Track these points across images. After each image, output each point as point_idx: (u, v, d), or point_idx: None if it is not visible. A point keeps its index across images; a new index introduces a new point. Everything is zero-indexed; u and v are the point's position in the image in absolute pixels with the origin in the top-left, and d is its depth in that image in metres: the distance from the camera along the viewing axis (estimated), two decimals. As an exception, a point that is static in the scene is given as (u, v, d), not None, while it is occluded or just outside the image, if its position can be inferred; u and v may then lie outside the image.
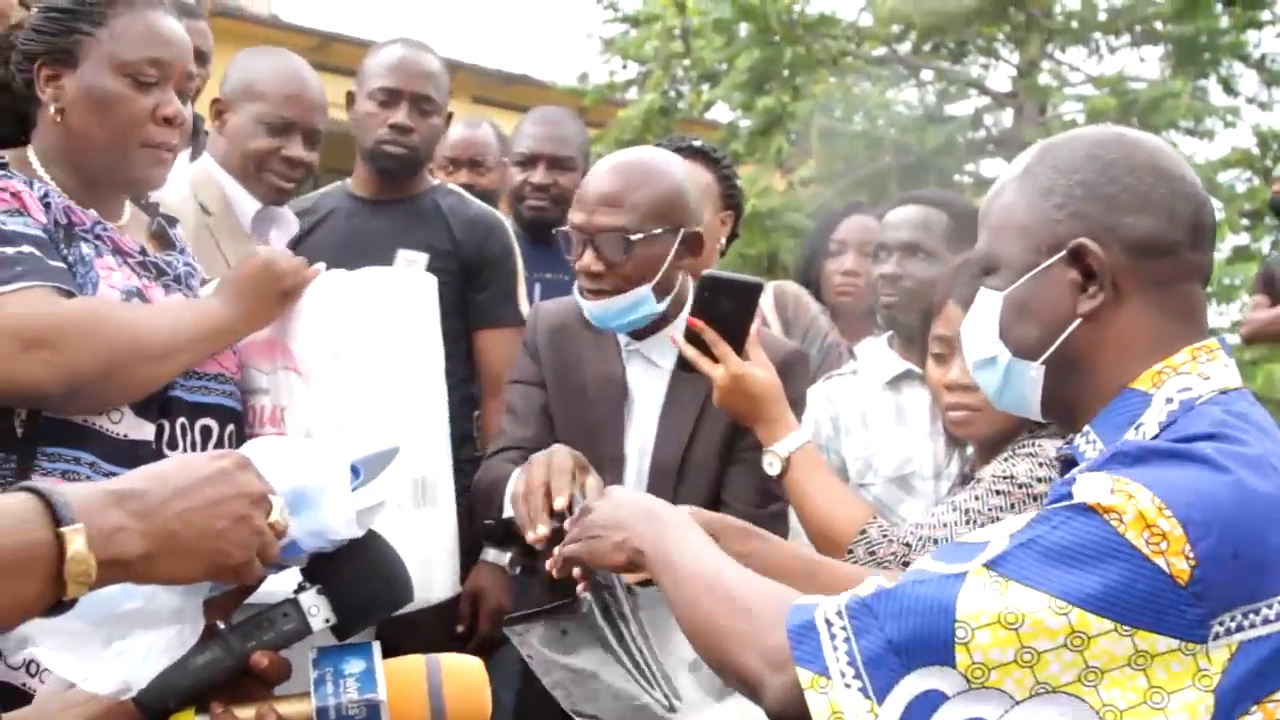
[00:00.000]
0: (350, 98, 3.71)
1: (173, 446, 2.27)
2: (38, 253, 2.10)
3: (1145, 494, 1.37)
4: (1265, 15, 12.86)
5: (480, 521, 2.70)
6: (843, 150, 12.54)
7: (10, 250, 2.06)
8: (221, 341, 2.35)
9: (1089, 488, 1.40)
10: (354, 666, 1.42)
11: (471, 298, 3.58)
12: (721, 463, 2.68)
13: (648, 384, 2.76)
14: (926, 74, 13.93)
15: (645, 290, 2.64)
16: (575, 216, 2.67)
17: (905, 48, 13.50)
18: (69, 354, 2.06)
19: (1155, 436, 1.52)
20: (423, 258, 3.53)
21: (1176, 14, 12.23)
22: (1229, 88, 13.14)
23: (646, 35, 13.57)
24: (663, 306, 2.69)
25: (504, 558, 3.29)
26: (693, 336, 2.49)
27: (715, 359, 2.47)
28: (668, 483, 2.66)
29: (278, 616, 1.42)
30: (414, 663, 1.45)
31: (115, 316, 2.17)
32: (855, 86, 12.84)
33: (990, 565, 1.40)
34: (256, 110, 3.31)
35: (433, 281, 2.61)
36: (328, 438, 2.34)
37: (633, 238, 2.61)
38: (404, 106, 3.58)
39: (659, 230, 2.63)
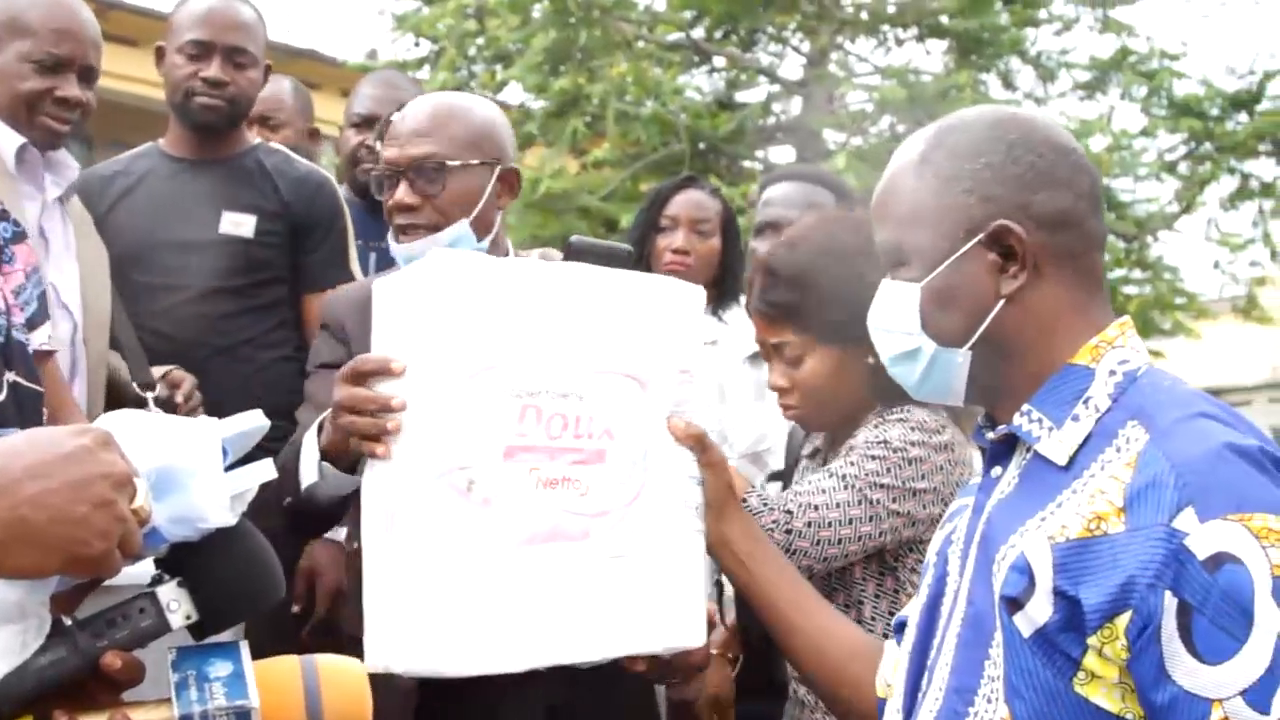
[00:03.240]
0: (160, 53, 3.48)
1: None
2: None
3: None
4: (1042, 14, 13.34)
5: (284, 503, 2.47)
6: (636, 134, 12.52)
7: None
8: None
9: (1225, 539, 1.35)
10: (220, 669, 1.27)
11: (301, 261, 3.43)
12: None
13: None
14: (719, 60, 14.02)
15: (464, 225, 2.51)
16: (387, 152, 2.54)
17: (698, 34, 13.56)
18: None
19: (1109, 410, 1.51)
20: (249, 220, 3.38)
21: (960, 10, 12.55)
22: (1008, 82, 13.58)
23: (440, 13, 13.28)
24: (485, 245, 2.55)
25: (341, 533, 3.13)
26: None
27: None
28: None
29: (133, 612, 1.27)
30: (288, 664, 1.32)
31: None
32: (649, 71, 12.82)
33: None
34: (24, 48, 2.97)
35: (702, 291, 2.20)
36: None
37: (449, 163, 2.49)
38: (216, 60, 3.40)
39: (475, 161, 2.52)
